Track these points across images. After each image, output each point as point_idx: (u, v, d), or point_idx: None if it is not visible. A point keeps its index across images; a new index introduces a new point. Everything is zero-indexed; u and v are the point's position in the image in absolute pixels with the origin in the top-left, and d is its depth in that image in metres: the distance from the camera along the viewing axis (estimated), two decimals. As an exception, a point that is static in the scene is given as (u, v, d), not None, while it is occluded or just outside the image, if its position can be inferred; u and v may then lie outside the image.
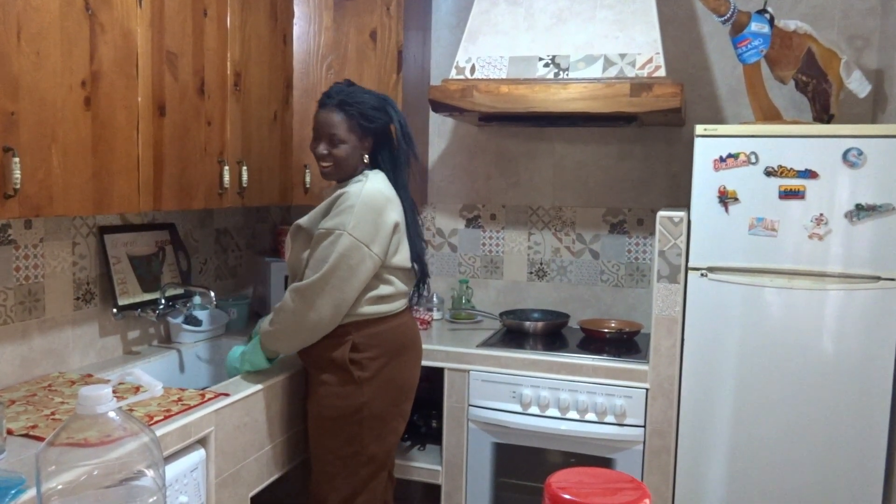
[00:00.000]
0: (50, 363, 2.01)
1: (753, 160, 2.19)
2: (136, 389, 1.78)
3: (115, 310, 2.17)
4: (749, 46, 2.24)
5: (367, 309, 1.99)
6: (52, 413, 1.66)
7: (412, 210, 2.10)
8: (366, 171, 2.03)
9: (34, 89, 1.53)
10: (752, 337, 2.23)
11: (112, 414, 0.99)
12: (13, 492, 1.23)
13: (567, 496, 0.67)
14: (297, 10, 2.55)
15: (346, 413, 1.98)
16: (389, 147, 2.08)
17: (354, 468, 2.02)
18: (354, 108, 1.98)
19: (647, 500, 0.68)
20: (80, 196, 1.66)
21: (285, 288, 2.06)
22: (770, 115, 2.32)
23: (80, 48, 1.63)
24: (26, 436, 1.52)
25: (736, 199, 2.21)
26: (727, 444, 2.27)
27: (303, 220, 2.02)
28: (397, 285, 2.05)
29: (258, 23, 2.32)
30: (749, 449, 2.25)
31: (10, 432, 1.52)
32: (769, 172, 2.17)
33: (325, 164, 2.02)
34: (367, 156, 2.05)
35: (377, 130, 2.04)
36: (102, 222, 2.18)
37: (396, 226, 1.99)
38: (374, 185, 1.97)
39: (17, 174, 1.47)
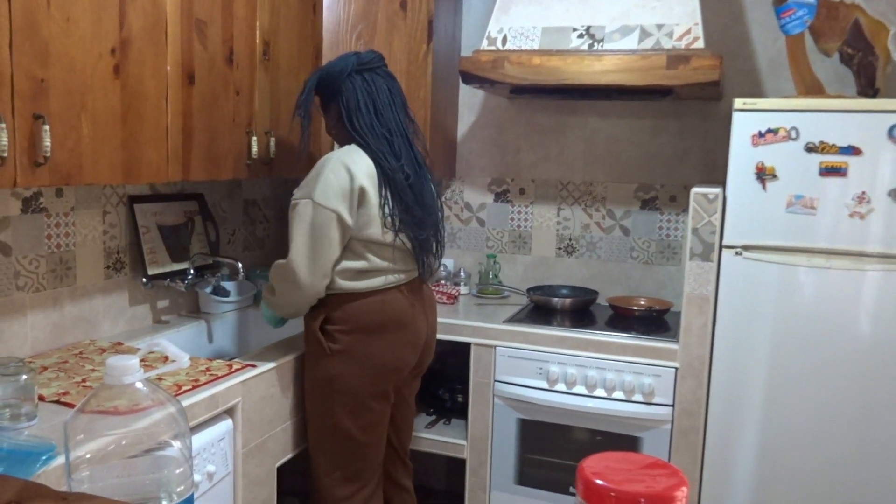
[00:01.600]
0: (81, 331, 2.03)
1: (794, 136, 2.12)
2: (165, 359, 1.79)
3: (144, 279, 2.18)
4: (793, 17, 2.16)
5: (342, 283, 1.94)
6: (83, 380, 1.68)
7: (403, 181, 1.96)
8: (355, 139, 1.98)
9: (63, 56, 1.52)
10: (786, 318, 2.18)
11: (139, 384, 0.99)
12: (44, 458, 1.25)
13: (601, 482, 0.65)
14: (327, -22, 2.51)
15: (320, 384, 1.98)
16: (348, 103, 1.98)
17: (332, 441, 2.00)
18: (319, 84, 2.03)
19: (684, 488, 0.65)
20: (110, 165, 1.66)
21: None
22: (813, 88, 2.24)
23: (109, 14, 1.62)
24: (57, 402, 1.54)
25: (774, 176, 2.15)
26: (758, 425, 2.23)
27: (294, 192, 1.99)
28: (373, 261, 1.95)
29: (287, -9, 2.28)
30: (780, 432, 2.21)
31: (41, 398, 1.54)
32: (810, 148, 2.10)
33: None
34: (343, 119, 1.99)
35: (333, 93, 2.00)
36: (132, 192, 2.18)
37: (363, 192, 1.89)
38: (345, 154, 1.93)
39: (48, 142, 1.46)
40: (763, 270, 2.18)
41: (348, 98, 1.97)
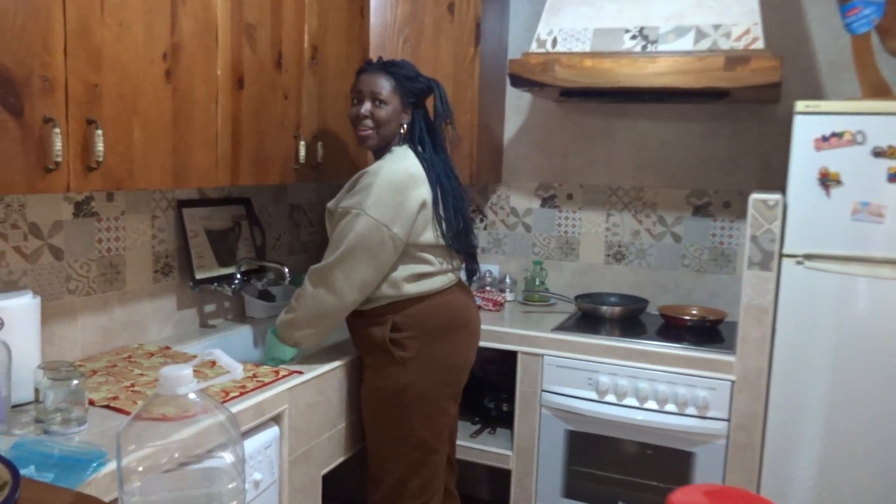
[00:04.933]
0: (129, 334, 2.03)
1: (860, 140, 2.02)
2: (212, 364, 1.78)
3: (192, 283, 2.19)
4: (859, 15, 2.06)
5: (408, 288, 1.93)
6: (132, 385, 1.68)
7: (451, 187, 2.00)
8: (394, 148, 1.97)
9: (116, 61, 1.51)
10: (849, 331, 2.08)
11: (192, 395, 0.96)
12: (94, 465, 1.24)
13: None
14: (375, -19, 2.49)
15: (391, 394, 1.95)
16: (426, 117, 2.03)
17: (405, 451, 1.99)
18: (399, 70, 1.97)
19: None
20: (160, 169, 1.65)
21: None
22: (880, 90, 2.14)
23: (161, 20, 1.62)
24: (107, 407, 1.54)
25: (839, 182, 2.05)
26: (818, 441, 2.13)
27: (331, 203, 1.98)
28: (435, 263, 1.97)
29: (335, -6, 2.27)
30: (841, 448, 2.11)
31: (91, 403, 1.54)
32: (878, 153, 2.00)
33: (365, 125, 1.97)
34: (405, 125, 1.99)
35: (417, 97, 2.00)
36: (181, 196, 2.18)
37: (423, 203, 1.91)
38: (397, 164, 1.91)
39: (100, 147, 1.46)
40: (825, 280, 2.09)
41: (438, 99, 2.02)
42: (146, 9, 1.58)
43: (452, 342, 2.00)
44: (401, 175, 1.88)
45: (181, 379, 0.93)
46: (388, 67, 1.97)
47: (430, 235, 1.94)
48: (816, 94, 2.55)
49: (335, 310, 1.91)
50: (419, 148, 1.98)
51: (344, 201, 1.91)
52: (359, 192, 1.88)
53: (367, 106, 1.96)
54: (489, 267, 3.01)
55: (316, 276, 1.92)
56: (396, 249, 1.89)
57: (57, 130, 1.37)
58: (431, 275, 1.97)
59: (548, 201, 2.95)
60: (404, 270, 1.93)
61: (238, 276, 2.29)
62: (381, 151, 2.00)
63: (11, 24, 1.30)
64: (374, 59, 2.03)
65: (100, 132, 1.46)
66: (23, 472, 1.21)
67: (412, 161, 1.94)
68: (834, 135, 2.04)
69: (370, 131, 1.97)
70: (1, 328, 1.39)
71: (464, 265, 2.14)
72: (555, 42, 2.41)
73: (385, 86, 1.95)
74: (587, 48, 2.36)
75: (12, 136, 1.31)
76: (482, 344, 2.43)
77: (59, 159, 1.39)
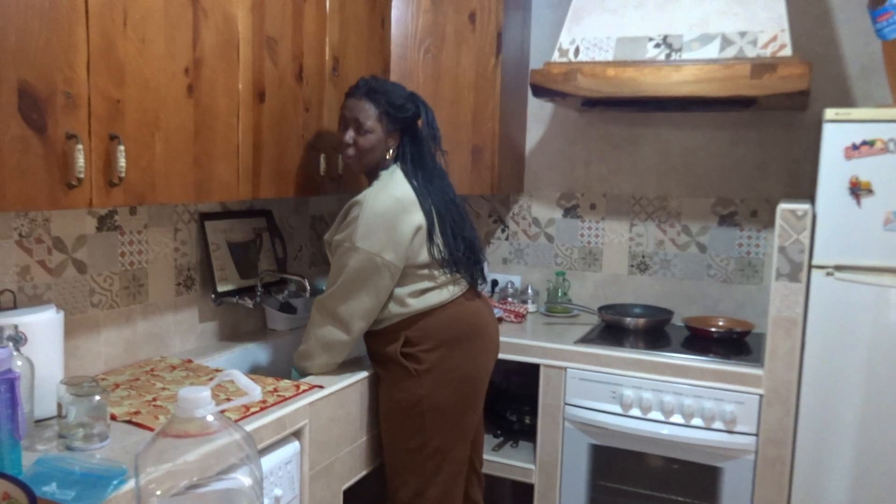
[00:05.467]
0: (152, 347, 2.04)
1: (892, 148, 1.97)
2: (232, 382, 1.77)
3: (213, 296, 2.19)
4: (890, 21, 2.01)
5: (414, 303, 1.93)
6: (154, 399, 1.68)
7: (448, 211, 1.98)
8: (382, 173, 1.96)
9: (138, 76, 1.52)
10: (883, 343, 2.02)
11: (210, 417, 0.96)
12: (115, 482, 1.23)
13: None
14: (395, -8, 2.48)
15: (407, 406, 1.94)
16: (415, 142, 1.99)
17: (420, 462, 1.97)
18: (382, 96, 1.93)
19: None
20: (182, 184, 1.65)
21: None
22: (912, 97, 2.09)
23: (183, 34, 1.62)
24: (129, 422, 1.54)
25: (870, 191, 2.00)
26: (850, 457, 2.08)
27: (328, 235, 1.99)
28: (437, 277, 1.95)
29: (357, 6, 2.27)
30: (874, 464, 2.05)
31: (113, 418, 1.54)
32: (911, 162, 1.95)
33: (349, 152, 1.96)
34: (391, 150, 1.98)
35: (404, 123, 1.97)
36: (203, 209, 2.19)
37: (419, 227, 1.90)
38: (386, 192, 1.89)
39: (123, 162, 1.47)
40: (857, 292, 2.04)
41: (426, 123, 1.99)
42: (168, 23, 1.58)
43: (467, 351, 1.98)
44: (388, 203, 1.87)
45: (199, 401, 0.93)
46: (373, 94, 1.93)
47: (424, 255, 1.92)
48: (847, 99, 2.50)
49: (343, 341, 1.93)
50: (411, 176, 1.95)
51: (337, 234, 1.92)
52: (348, 225, 1.89)
53: (350, 134, 1.94)
54: (511, 278, 2.98)
55: (321, 309, 1.95)
56: (393, 275, 1.89)
57: (80, 146, 1.38)
58: (436, 288, 1.96)
59: (570, 211, 2.92)
60: (405, 290, 1.93)
61: (259, 288, 2.29)
62: (370, 175, 1.99)
63: (35, 40, 1.30)
64: (359, 83, 1.98)
65: (122, 147, 1.46)
66: (44, 489, 1.21)
67: (400, 185, 1.92)
68: (865, 143, 2.00)
69: (353, 158, 1.96)
70: (24, 344, 1.39)
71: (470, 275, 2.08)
72: (577, 51, 2.39)
73: (369, 113, 1.92)
74: (610, 57, 2.34)
75: (36, 152, 1.32)
76: (504, 356, 2.41)
77: (82, 175, 1.39)
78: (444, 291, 1.97)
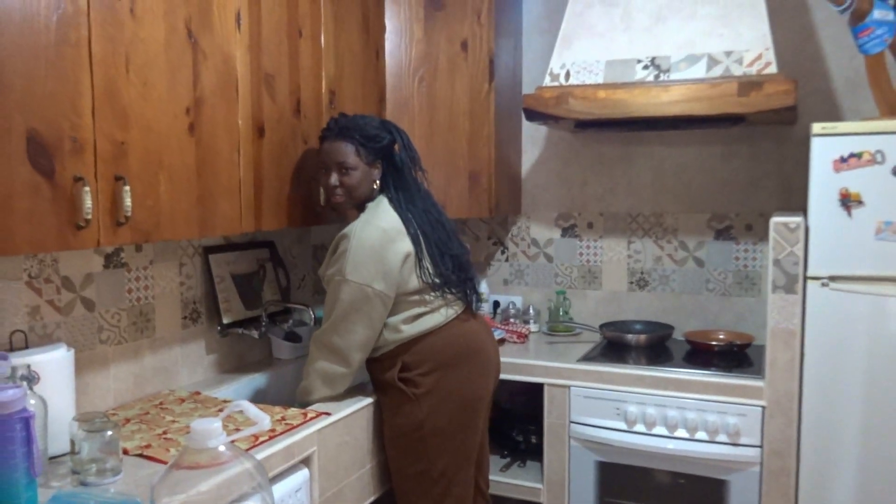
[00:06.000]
0: (160, 380, 2.07)
1: (879, 159, 2.01)
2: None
3: (219, 327, 2.22)
4: (872, 36, 2.07)
5: (407, 329, 1.96)
6: (164, 432, 1.70)
7: (434, 232, 2.01)
8: (368, 204, 2.01)
9: (141, 118, 1.57)
10: (880, 351, 2.05)
11: (222, 447, 0.99)
12: (129, 516, 1.26)
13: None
14: (389, 24, 2.55)
15: (408, 431, 1.97)
16: (396, 167, 2.04)
17: (427, 486, 1.99)
18: (355, 131, 1.98)
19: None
20: (186, 220, 1.70)
21: None
22: (897, 109, 2.13)
23: (183, 76, 1.67)
24: (141, 455, 1.56)
25: (860, 202, 2.04)
26: (854, 465, 2.09)
27: (321, 269, 2.03)
28: (429, 301, 1.99)
29: (351, 39, 2.33)
30: (879, 471, 2.07)
31: (125, 452, 1.56)
32: (898, 172, 2.00)
33: (337, 195, 2.01)
34: (377, 181, 2.03)
35: (384, 152, 2.02)
36: (206, 242, 2.23)
37: (407, 255, 1.94)
38: (371, 224, 1.93)
39: (128, 202, 1.51)
40: (852, 302, 2.07)
41: (402, 146, 2.03)
42: (169, 66, 1.63)
43: (465, 373, 2.01)
44: (375, 234, 1.91)
45: (211, 432, 0.96)
46: (347, 132, 1.97)
47: (414, 282, 1.96)
48: (834, 113, 2.55)
49: (343, 374, 1.97)
50: (395, 203, 1.99)
51: (328, 268, 1.97)
52: (338, 259, 1.93)
53: (334, 177, 1.99)
54: (512, 298, 3.01)
55: (318, 343, 1.99)
56: (385, 304, 1.93)
57: (87, 189, 1.42)
58: (429, 312, 1.99)
59: (568, 231, 2.96)
60: (401, 315, 1.96)
61: (264, 318, 2.32)
62: (360, 208, 2.03)
63: (42, 89, 1.35)
64: (329, 123, 2.02)
65: (127, 188, 1.51)
66: (61, 525, 1.24)
67: (386, 215, 1.96)
68: (852, 155, 2.04)
69: (342, 198, 2.01)
70: (37, 383, 1.43)
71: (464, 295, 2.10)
72: (568, 75, 2.44)
73: (348, 152, 1.97)
74: (600, 80, 2.39)
75: (45, 196, 1.36)
76: (508, 377, 2.43)
77: (90, 216, 1.43)
78: (437, 315, 2.00)
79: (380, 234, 1.92)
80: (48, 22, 1.35)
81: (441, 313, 2.00)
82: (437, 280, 1.98)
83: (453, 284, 2.03)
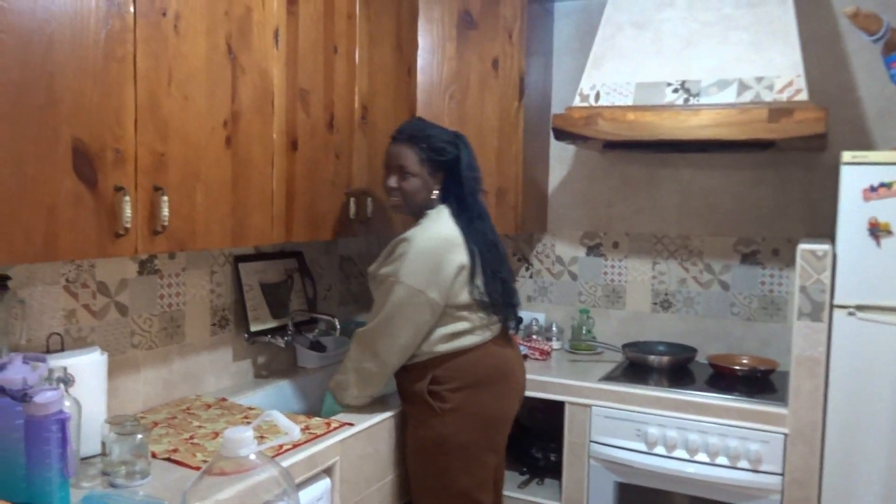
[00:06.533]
0: (188, 386, 2.11)
1: (910, 189, 2.01)
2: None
3: (247, 335, 2.26)
4: (904, 66, 2.06)
5: (441, 347, 1.98)
6: (191, 437, 1.74)
7: (489, 252, 2.03)
8: (429, 212, 2.02)
9: (181, 131, 1.62)
10: (907, 382, 2.03)
11: (252, 455, 1.02)
12: (158, 519, 1.29)
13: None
14: (422, 41, 2.59)
15: (431, 445, 1.98)
16: (458, 183, 2.04)
17: (446, 501, 2.00)
18: (423, 141, 2.00)
19: None
20: (220, 230, 1.74)
21: None
22: (929, 139, 2.12)
23: (222, 90, 1.72)
24: (168, 459, 1.60)
25: (889, 232, 2.03)
26: (877, 498, 2.07)
27: (372, 267, 2.04)
28: (472, 319, 2.00)
29: (384, 56, 2.37)
30: (904, 506, 2.05)
31: (153, 455, 1.60)
32: (929, 203, 1.98)
33: (393, 197, 2.03)
34: (436, 191, 2.04)
35: (448, 165, 2.03)
36: (237, 251, 2.28)
37: (461, 266, 1.95)
38: (433, 230, 1.95)
39: (166, 212, 1.56)
40: (880, 332, 2.05)
41: (465, 165, 2.03)
42: (209, 80, 1.68)
43: (492, 394, 2.02)
44: (434, 241, 1.94)
45: (243, 441, 0.99)
46: (414, 139, 2.00)
47: (464, 297, 1.97)
48: (865, 141, 2.54)
49: (378, 374, 2.00)
50: (456, 216, 2.01)
51: (382, 268, 1.98)
52: (395, 261, 1.94)
53: (394, 179, 2.02)
54: (535, 315, 3.03)
55: (361, 341, 2.01)
56: (434, 313, 1.94)
57: (127, 198, 1.47)
58: (468, 332, 2.00)
59: (593, 250, 2.97)
60: (441, 331, 1.98)
61: (290, 327, 2.36)
62: (417, 215, 2.04)
63: (88, 102, 1.41)
64: (402, 127, 2.05)
65: (165, 198, 1.56)
66: (91, 525, 1.28)
67: (447, 224, 1.98)
68: (882, 185, 2.03)
69: (398, 201, 2.03)
70: (72, 385, 1.47)
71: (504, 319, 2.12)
72: (598, 96, 2.46)
73: (411, 158, 1.99)
74: (630, 102, 2.40)
75: (87, 205, 1.41)
76: (529, 393, 2.43)
77: (129, 225, 1.48)
78: (475, 335, 2.01)
79: (439, 242, 1.94)
80: (97, 38, 1.41)
81: (479, 334, 2.02)
82: (485, 299, 2.00)
83: (499, 307, 2.04)
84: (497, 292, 2.03)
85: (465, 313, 1.99)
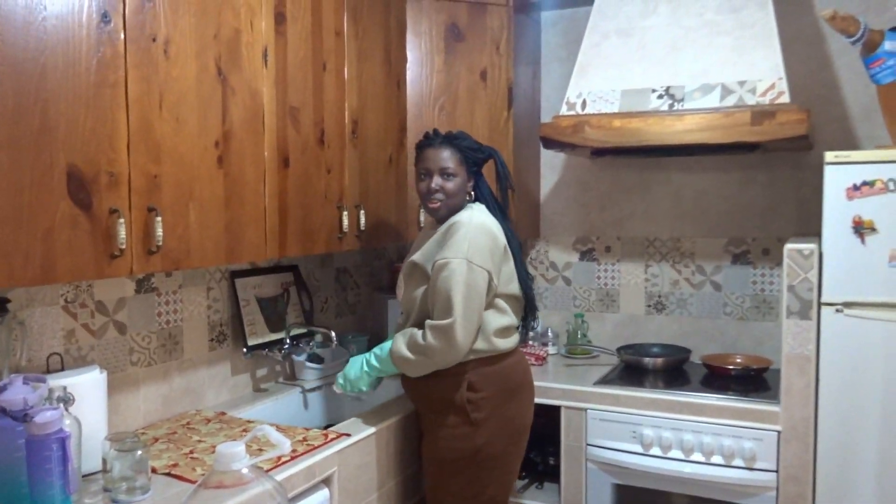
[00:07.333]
0: (188, 401, 2.15)
1: (892, 187, 2.04)
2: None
3: (244, 350, 2.30)
4: (883, 67, 2.10)
5: (499, 343, 2.00)
6: (191, 451, 1.77)
7: (517, 242, 2.12)
8: (470, 204, 2.08)
9: (174, 152, 1.65)
10: (895, 377, 2.06)
11: (245, 470, 1.05)
12: (158, 532, 1.32)
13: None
14: (410, 55, 2.63)
15: (465, 455, 1.98)
16: (485, 184, 2.13)
17: None
18: (461, 140, 2.07)
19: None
20: (214, 248, 1.78)
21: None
22: (910, 137, 2.16)
23: (213, 111, 1.76)
24: (169, 474, 1.63)
25: (873, 230, 2.06)
26: (871, 491, 2.10)
27: (416, 257, 2.03)
28: (511, 316, 2.05)
29: (374, 71, 2.41)
30: (898, 500, 2.07)
31: (154, 470, 1.63)
32: (911, 200, 2.02)
33: (436, 198, 2.02)
34: (471, 193, 2.10)
35: (480, 165, 2.11)
36: (233, 267, 2.31)
37: (505, 249, 2.02)
38: (479, 216, 2.02)
39: (160, 232, 1.59)
40: (867, 328, 2.08)
41: (498, 164, 2.12)
42: (200, 102, 1.72)
43: (519, 402, 2.06)
44: (489, 222, 2.01)
45: (235, 455, 1.02)
46: (452, 140, 2.06)
47: (514, 286, 2.04)
48: (850, 139, 2.57)
49: (449, 361, 1.94)
50: (492, 209, 2.09)
51: (444, 252, 1.94)
52: (456, 242, 1.93)
53: (437, 180, 2.02)
54: (531, 321, 3.06)
55: (437, 333, 1.90)
56: (491, 290, 1.98)
57: (121, 220, 1.51)
58: (508, 330, 2.04)
59: (586, 254, 3.00)
60: (493, 322, 1.99)
61: (287, 341, 2.40)
62: (451, 216, 2.05)
63: (82, 128, 1.44)
64: (431, 133, 2.10)
65: (159, 219, 1.59)
66: (94, 540, 1.31)
67: (490, 215, 2.05)
68: (865, 183, 2.07)
69: (440, 203, 2.03)
70: (73, 404, 1.50)
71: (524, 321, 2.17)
72: (584, 104, 2.50)
73: (452, 158, 2.03)
74: (615, 109, 2.44)
75: (83, 228, 1.45)
76: (526, 399, 2.47)
77: (123, 246, 1.52)
78: (511, 338, 2.07)
79: (491, 221, 2.02)
80: (89, 65, 1.45)
81: (513, 338, 2.08)
82: (529, 293, 2.09)
83: (531, 304, 2.12)
84: (530, 290, 2.11)
85: (506, 305, 2.03)
